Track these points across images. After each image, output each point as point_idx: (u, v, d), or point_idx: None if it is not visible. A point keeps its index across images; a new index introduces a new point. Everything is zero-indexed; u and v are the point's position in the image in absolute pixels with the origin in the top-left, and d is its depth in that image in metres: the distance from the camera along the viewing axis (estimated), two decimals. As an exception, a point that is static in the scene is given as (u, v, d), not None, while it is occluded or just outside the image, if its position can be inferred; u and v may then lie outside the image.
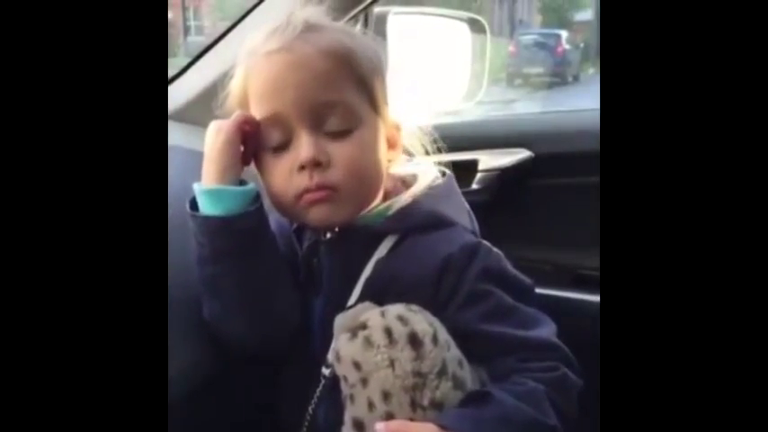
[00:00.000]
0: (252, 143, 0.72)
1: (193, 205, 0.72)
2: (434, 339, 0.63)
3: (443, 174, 0.77)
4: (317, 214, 0.71)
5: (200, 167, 0.74)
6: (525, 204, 1.14)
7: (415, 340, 0.62)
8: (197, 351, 0.73)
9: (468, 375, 0.65)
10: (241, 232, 0.70)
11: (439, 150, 0.79)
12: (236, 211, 0.70)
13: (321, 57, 0.69)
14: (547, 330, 0.69)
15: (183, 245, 0.70)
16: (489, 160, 1.12)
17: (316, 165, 0.69)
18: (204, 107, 1.05)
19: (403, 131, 0.77)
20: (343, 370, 0.64)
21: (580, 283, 1.09)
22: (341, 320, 0.67)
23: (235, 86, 0.74)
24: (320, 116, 0.69)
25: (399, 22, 1.09)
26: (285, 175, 0.70)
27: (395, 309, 0.65)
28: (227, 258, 0.71)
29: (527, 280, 0.73)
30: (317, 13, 0.74)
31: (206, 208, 0.70)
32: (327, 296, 0.74)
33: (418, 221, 0.72)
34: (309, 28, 0.71)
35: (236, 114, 0.72)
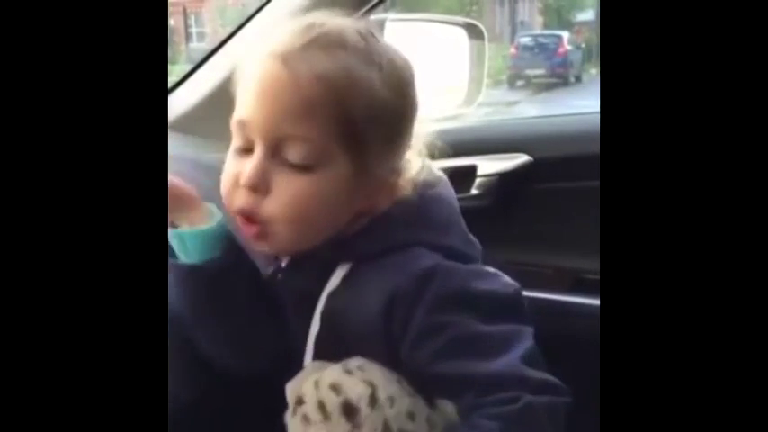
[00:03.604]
0: None
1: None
2: (372, 400, 0.59)
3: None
4: (251, 242, 0.67)
5: (201, 177, 0.74)
6: (525, 209, 1.14)
7: (349, 409, 0.59)
8: (190, 368, 0.73)
9: (423, 426, 0.61)
10: (204, 281, 0.66)
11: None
12: (198, 259, 0.65)
13: (311, 83, 0.61)
14: (513, 355, 0.60)
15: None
16: (488, 165, 1.12)
17: (253, 189, 0.63)
18: (204, 116, 1.06)
19: (399, 182, 0.67)
20: None
21: (581, 287, 1.09)
22: (289, 390, 0.64)
23: (236, 78, 0.69)
24: (282, 143, 0.63)
25: (396, 29, 1.10)
26: (231, 183, 0.66)
27: (330, 375, 0.61)
28: (198, 306, 0.68)
29: (507, 291, 0.65)
30: (342, 28, 0.65)
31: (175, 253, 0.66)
32: (292, 325, 0.70)
33: (370, 248, 0.66)
34: (324, 42, 0.63)
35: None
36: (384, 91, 0.64)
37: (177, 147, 0.99)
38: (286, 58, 0.63)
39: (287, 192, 0.63)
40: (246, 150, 0.65)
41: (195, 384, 0.74)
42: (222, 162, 0.71)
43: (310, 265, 0.68)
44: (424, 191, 0.69)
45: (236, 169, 0.65)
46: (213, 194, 0.71)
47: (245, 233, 0.66)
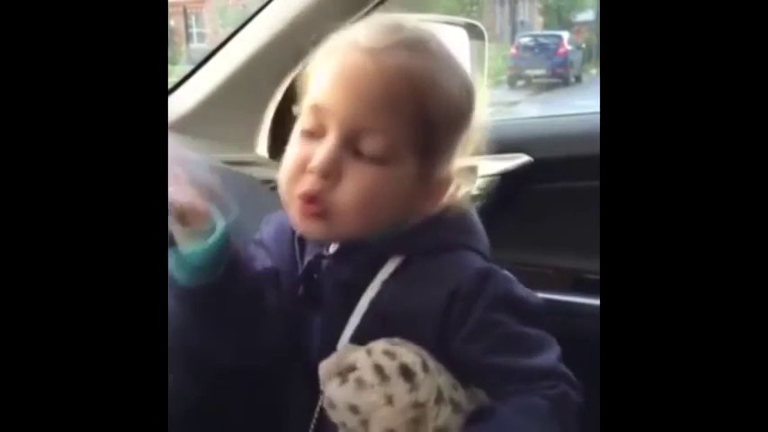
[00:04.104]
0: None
1: None
2: (425, 367, 0.62)
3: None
4: (304, 225, 0.67)
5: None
6: (525, 209, 1.15)
7: (407, 372, 0.61)
8: (194, 367, 0.73)
9: (463, 398, 0.64)
10: (202, 302, 0.65)
11: None
12: (195, 279, 0.63)
13: (396, 78, 0.64)
14: (550, 355, 0.66)
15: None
16: (489, 165, 1.12)
17: (324, 176, 0.64)
18: (205, 117, 1.06)
19: (455, 189, 0.71)
20: (340, 416, 0.63)
21: (581, 287, 1.09)
22: (326, 366, 0.64)
23: (312, 67, 0.69)
24: (360, 133, 0.64)
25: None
26: (297, 165, 0.66)
27: (379, 345, 0.63)
28: (196, 323, 0.67)
29: (535, 299, 0.70)
30: (425, 32, 0.68)
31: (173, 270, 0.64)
32: (328, 313, 0.71)
33: (423, 244, 0.68)
34: (410, 43, 0.65)
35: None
36: (459, 98, 0.68)
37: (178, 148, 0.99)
38: (374, 52, 0.64)
39: (358, 181, 0.64)
40: (315, 134, 0.66)
41: (196, 385, 0.74)
42: (222, 163, 0.71)
43: (361, 255, 0.70)
44: (465, 199, 0.73)
45: (304, 152, 0.66)
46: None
47: (304, 212, 0.66)
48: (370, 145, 0.64)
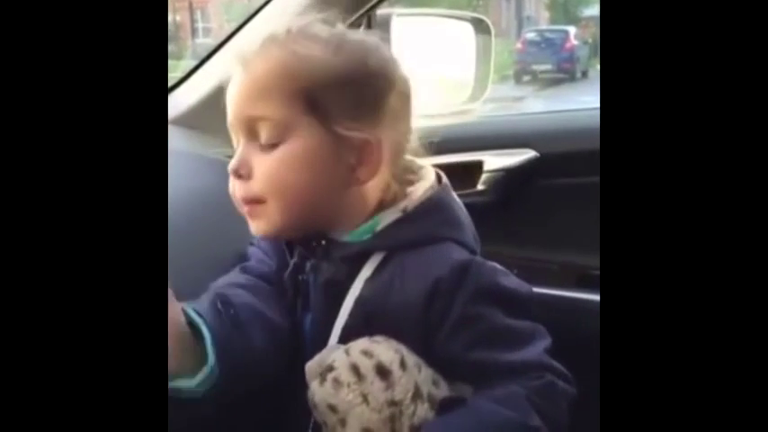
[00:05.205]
0: None
1: None
2: (402, 365, 0.62)
3: (440, 180, 0.74)
4: (252, 227, 0.71)
5: (205, 172, 0.74)
6: (531, 205, 1.14)
7: (382, 370, 0.62)
8: None
9: (446, 393, 0.64)
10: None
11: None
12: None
13: (262, 71, 0.68)
14: (537, 347, 0.66)
15: (183, 249, 0.69)
16: (494, 161, 1.12)
17: (237, 176, 0.69)
18: (210, 112, 1.06)
19: (385, 146, 0.70)
20: (321, 416, 0.64)
21: (586, 283, 1.08)
22: (309, 367, 0.66)
23: None
24: (252, 129, 0.69)
25: (403, 24, 1.09)
26: (230, 175, 0.72)
27: (358, 344, 0.64)
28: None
29: (525, 289, 0.70)
30: (304, 24, 0.71)
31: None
32: (315, 314, 0.73)
33: (404, 239, 0.69)
34: (276, 40, 0.70)
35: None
36: (332, 59, 0.69)
37: (182, 142, 0.99)
38: (245, 61, 0.70)
39: (263, 169, 0.68)
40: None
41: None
42: (226, 157, 0.72)
43: (342, 253, 0.71)
44: (447, 191, 0.74)
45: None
46: (217, 190, 0.72)
47: (247, 215, 0.71)
48: (263, 134, 0.68)
